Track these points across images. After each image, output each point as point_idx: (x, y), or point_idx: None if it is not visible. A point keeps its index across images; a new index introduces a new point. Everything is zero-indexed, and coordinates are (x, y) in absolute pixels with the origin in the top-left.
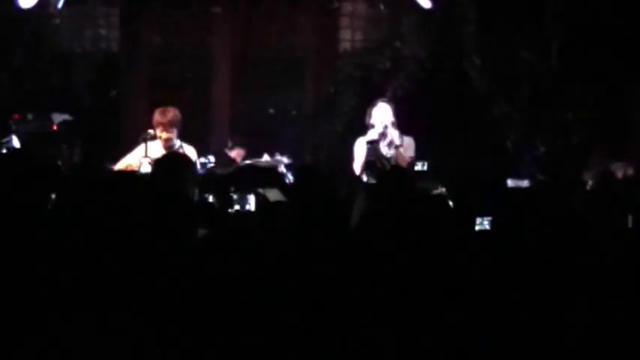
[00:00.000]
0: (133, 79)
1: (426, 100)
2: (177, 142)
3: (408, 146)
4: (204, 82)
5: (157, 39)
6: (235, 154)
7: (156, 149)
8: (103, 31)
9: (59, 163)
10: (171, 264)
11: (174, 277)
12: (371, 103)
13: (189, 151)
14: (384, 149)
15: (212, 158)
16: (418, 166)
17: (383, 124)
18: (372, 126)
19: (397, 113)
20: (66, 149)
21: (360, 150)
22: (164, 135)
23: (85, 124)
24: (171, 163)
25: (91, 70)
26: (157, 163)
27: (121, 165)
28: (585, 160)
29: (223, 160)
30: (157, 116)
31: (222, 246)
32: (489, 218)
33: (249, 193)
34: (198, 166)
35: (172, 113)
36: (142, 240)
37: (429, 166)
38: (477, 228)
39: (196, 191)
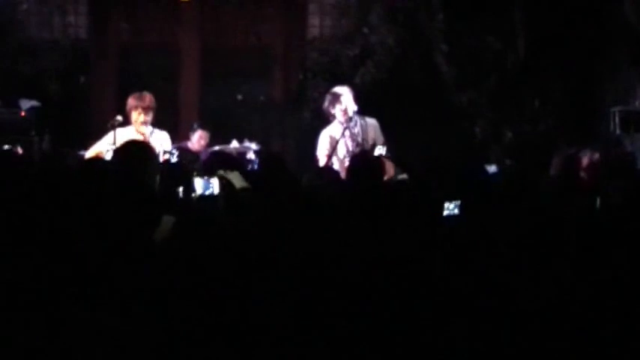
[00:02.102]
0: (102, 67)
1: (394, 87)
2: (150, 128)
3: (372, 129)
4: (172, 70)
5: (125, 27)
6: (198, 136)
7: (127, 136)
8: (72, 19)
9: (23, 151)
10: (135, 252)
11: (138, 265)
12: (328, 93)
13: (163, 137)
14: (348, 143)
15: (175, 153)
16: (378, 150)
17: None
18: (334, 116)
19: (361, 99)
20: (34, 136)
21: (324, 142)
22: (142, 118)
23: (54, 112)
24: (131, 150)
25: (60, 57)
26: (116, 151)
27: (91, 153)
28: (552, 147)
29: (186, 155)
30: (135, 100)
31: (187, 232)
32: (458, 202)
33: (212, 176)
34: (167, 156)
35: (149, 97)
36: (105, 227)
37: (387, 151)
38: (446, 213)
39: (157, 179)
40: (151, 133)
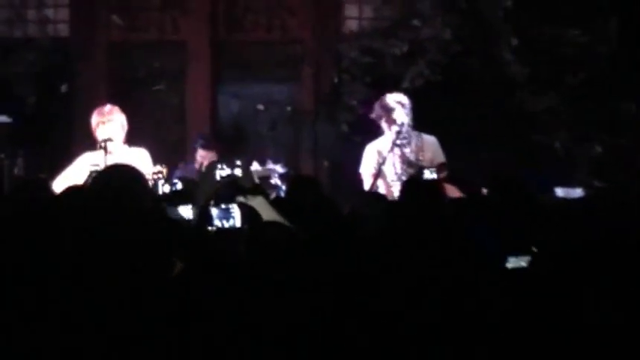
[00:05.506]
0: (88, 72)
1: (451, 92)
2: (120, 146)
3: (430, 148)
4: (177, 73)
5: (116, 21)
6: (199, 156)
7: (95, 161)
8: (50, 12)
9: None
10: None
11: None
12: (379, 98)
13: (140, 155)
14: (396, 164)
15: (179, 185)
16: (428, 174)
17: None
18: (383, 129)
19: (415, 108)
20: (4, 159)
21: (370, 158)
22: (104, 134)
23: (29, 128)
24: (114, 176)
25: (36, 60)
26: (96, 179)
27: (62, 182)
28: None
29: (191, 185)
30: (95, 115)
31: (202, 278)
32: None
33: (231, 203)
34: (166, 188)
35: (110, 108)
36: (101, 276)
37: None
38: (511, 266)
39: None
40: (125, 152)
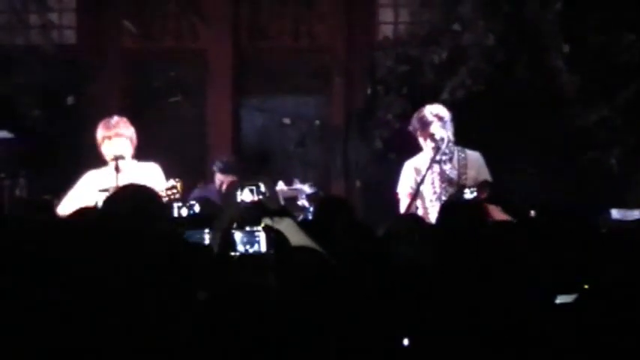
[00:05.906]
0: (98, 82)
1: (495, 103)
2: (128, 162)
3: (474, 165)
4: (195, 85)
5: (130, 27)
6: (218, 180)
7: (100, 180)
8: (55, 17)
9: None
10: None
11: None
12: (418, 110)
13: (152, 169)
14: (436, 182)
15: (197, 207)
16: (469, 194)
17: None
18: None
19: (456, 121)
20: (4, 179)
21: (408, 177)
22: (111, 150)
23: (32, 144)
24: (127, 197)
25: (40, 70)
26: (108, 200)
27: (68, 204)
28: None
29: (211, 206)
30: (100, 129)
31: (225, 308)
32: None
33: (257, 225)
34: (184, 211)
35: (117, 121)
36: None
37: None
38: (559, 301)
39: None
40: (134, 168)
